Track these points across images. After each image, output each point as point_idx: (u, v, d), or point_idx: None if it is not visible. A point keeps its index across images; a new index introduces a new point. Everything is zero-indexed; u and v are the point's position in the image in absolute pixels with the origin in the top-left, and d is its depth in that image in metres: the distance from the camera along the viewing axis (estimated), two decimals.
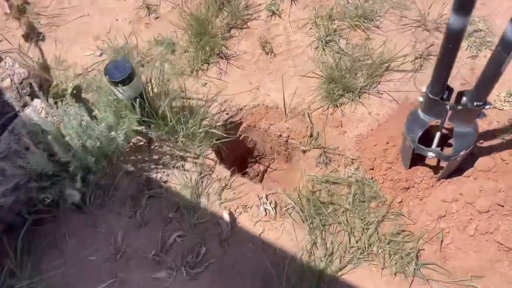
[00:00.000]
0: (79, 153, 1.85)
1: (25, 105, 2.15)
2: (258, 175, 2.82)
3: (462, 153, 1.86)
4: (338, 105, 2.46)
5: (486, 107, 1.68)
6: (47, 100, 2.02)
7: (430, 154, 1.92)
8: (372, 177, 2.23)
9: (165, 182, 2.25)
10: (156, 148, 2.36)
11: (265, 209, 2.19)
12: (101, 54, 2.74)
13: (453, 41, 1.50)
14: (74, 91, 2.03)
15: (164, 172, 2.29)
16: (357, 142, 2.36)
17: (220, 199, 2.21)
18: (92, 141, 1.90)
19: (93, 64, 2.70)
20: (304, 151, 2.42)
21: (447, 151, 2.07)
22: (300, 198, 2.22)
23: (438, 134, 2.00)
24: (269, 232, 2.14)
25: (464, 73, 2.41)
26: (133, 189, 2.22)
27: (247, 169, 2.83)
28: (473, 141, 1.86)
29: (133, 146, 2.36)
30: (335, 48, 2.60)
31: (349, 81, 2.46)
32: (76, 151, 1.84)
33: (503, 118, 2.25)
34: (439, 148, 2.01)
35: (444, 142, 2.10)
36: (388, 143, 2.26)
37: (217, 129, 2.37)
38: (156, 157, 2.34)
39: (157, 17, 2.85)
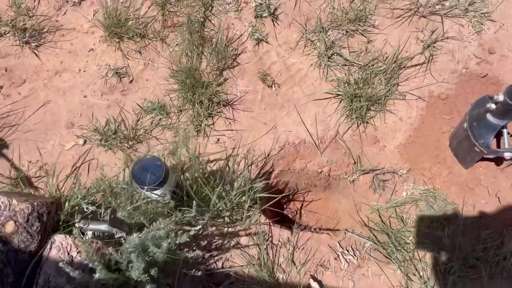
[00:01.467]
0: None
1: (40, 246, 1.74)
2: (296, 213, 2.62)
3: None
4: (367, 121, 2.30)
5: None
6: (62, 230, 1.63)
7: (508, 154, 1.86)
8: (433, 187, 2.13)
9: (230, 269, 1.97)
10: (201, 232, 2.06)
11: (346, 260, 2.01)
12: (84, 142, 2.32)
13: None
14: (112, 216, 1.66)
15: (222, 257, 2.00)
16: (401, 154, 2.23)
17: (296, 266, 1.98)
18: (156, 267, 1.57)
19: (79, 156, 2.28)
20: (353, 181, 2.25)
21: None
22: (374, 234, 2.06)
23: (505, 133, 1.92)
24: (360, 283, 1.97)
25: (476, 51, 2.36)
26: None
27: (284, 210, 2.61)
28: None
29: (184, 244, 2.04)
30: (340, 61, 2.41)
31: (370, 92, 2.30)
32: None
33: None
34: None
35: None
36: (436, 147, 2.17)
37: (259, 190, 2.11)
38: (205, 242, 2.04)
39: (131, 80, 2.47)
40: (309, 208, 2.63)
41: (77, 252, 1.69)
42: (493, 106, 1.79)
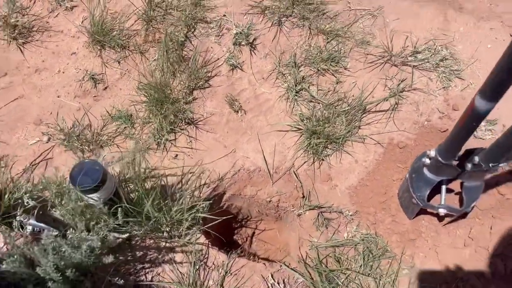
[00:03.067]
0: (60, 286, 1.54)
1: None
2: (246, 240, 2.62)
3: (472, 205, 1.87)
4: (323, 158, 2.33)
5: (500, 165, 1.66)
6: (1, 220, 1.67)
7: (442, 210, 1.88)
8: (375, 232, 2.13)
9: (157, 284, 1.98)
10: (138, 243, 2.08)
11: None
12: (48, 140, 2.39)
13: (477, 121, 1.43)
14: (40, 212, 1.70)
15: (153, 271, 2.02)
16: (351, 195, 2.25)
17: None
18: (73, 267, 1.59)
19: (41, 153, 2.34)
20: (299, 215, 2.26)
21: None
22: (308, 271, 2.05)
23: (443, 190, 1.96)
24: None
25: (440, 106, 2.40)
26: None
27: (234, 236, 2.62)
28: (481, 191, 1.89)
29: (111, 248, 2.06)
30: (307, 97, 2.47)
31: (330, 130, 2.34)
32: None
33: None
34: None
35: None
36: (385, 193, 2.18)
37: (202, 210, 2.14)
38: (140, 253, 2.06)
39: (105, 87, 2.55)
40: (261, 237, 2.63)
41: (4, 244, 1.73)
42: (427, 161, 1.82)
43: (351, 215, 2.19)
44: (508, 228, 1.95)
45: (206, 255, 2.09)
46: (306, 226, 2.24)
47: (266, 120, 2.47)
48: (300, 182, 2.30)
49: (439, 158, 1.73)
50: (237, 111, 2.49)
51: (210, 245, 2.13)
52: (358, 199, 2.22)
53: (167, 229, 2.07)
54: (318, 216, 2.21)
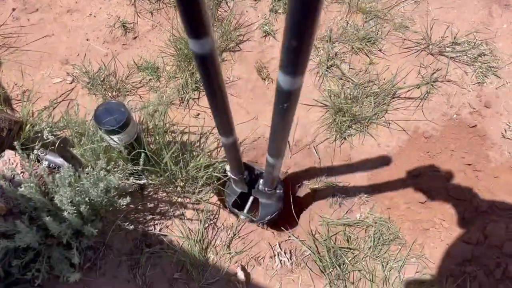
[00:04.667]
0: (73, 221, 1.54)
1: None
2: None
3: (267, 218, 2.10)
4: (346, 137, 2.29)
5: (277, 191, 2.00)
6: (21, 150, 1.66)
7: (242, 217, 2.08)
8: (389, 218, 2.10)
9: (165, 235, 1.98)
10: (151, 194, 2.07)
11: (280, 261, 1.99)
12: (72, 81, 2.37)
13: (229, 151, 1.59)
14: (61, 144, 1.69)
15: (163, 223, 2.01)
16: (369, 177, 2.22)
17: (230, 252, 1.98)
18: (86, 204, 1.59)
19: (63, 93, 2.33)
20: (314, 190, 2.24)
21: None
22: (316, 245, 2.04)
23: (250, 201, 2.14)
24: (287, 287, 1.95)
25: (472, 101, 2.34)
26: (130, 247, 1.93)
27: None
28: (276, 209, 2.12)
29: (124, 194, 2.05)
30: (337, 74, 2.42)
31: (356, 110, 2.30)
32: (71, 221, 1.52)
33: None
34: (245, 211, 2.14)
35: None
36: (404, 181, 2.14)
37: (218, 170, 2.12)
38: (151, 205, 2.05)
39: (135, 37, 2.52)
40: None
41: (21, 172, 1.73)
42: (229, 173, 1.96)
43: (366, 197, 2.17)
44: None
45: (217, 216, 2.09)
46: (320, 204, 2.22)
47: None
48: (319, 158, 2.27)
49: (230, 174, 1.89)
50: (265, 79, 2.45)
51: (221, 206, 2.12)
52: (376, 183, 2.18)
53: (181, 184, 2.06)
54: (332, 194, 2.19)
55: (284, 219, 2.29)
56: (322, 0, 0.70)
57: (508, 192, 2.04)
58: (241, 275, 1.89)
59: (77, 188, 1.57)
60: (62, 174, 1.53)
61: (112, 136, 1.74)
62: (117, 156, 1.83)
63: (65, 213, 1.43)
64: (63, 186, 1.49)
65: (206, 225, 2.03)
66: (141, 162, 1.73)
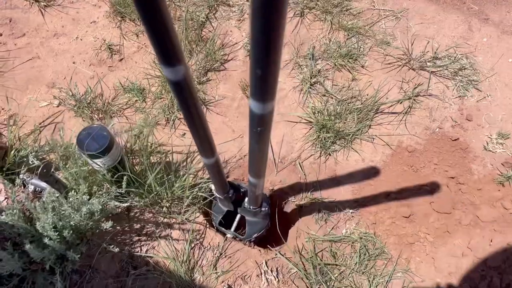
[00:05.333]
0: (56, 247, 1.55)
1: None
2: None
3: (254, 235, 2.11)
4: (330, 153, 2.32)
5: (263, 209, 1.97)
6: (6, 175, 1.68)
7: (229, 235, 2.09)
8: (374, 232, 2.12)
9: (152, 257, 1.98)
10: (137, 215, 2.08)
11: (267, 279, 2.00)
12: (59, 104, 2.40)
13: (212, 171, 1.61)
14: (44, 170, 1.70)
15: (149, 244, 2.02)
16: (354, 193, 2.24)
17: (216, 272, 1.98)
18: (69, 229, 1.60)
19: (50, 116, 2.35)
20: (300, 206, 2.25)
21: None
22: (302, 262, 2.05)
23: (237, 218, 2.17)
24: None
25: (453, 114, 2.37)
26: (116, 269, 1.93)
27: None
28: (263, 227, 2.11)
29: (110, 215, 2.06)
30: (321, 91, 2.46)
31: (340, 126, 2.33)
32: (53, 247, 1.53)
33: (496, 161, 2.23)
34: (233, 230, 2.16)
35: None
36: (388, 195, 2.16)
37: (204, 190, 2.14)
38: (138, 226, 2.06)
39: (121, 59, 2.55)
40: None
41: (5, 198, 1.74)
42: (214, 192, 1.97)
43: (351, 212, 2.19)
44: (509, 242, 1.93)
45: (203, 235, 2.09)
46: (304, 218, 2.23)
47: (277, 110, 2.46)
48: (305, 174, 2.29)
49: (216, 193, 1.91)
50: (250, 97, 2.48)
51: (207, 226, 2.13)
52: (360, 198, 2.20)
53: (167, 205, 2.07)
54: (318, 210, 2.20)
55: (271, 235, 2.30)
56: (281, 38, 0.73)
57: (491, 204, 2.06)
58: None
59: (61, 213, 1.58)
60: (44, 199, 1.55)
61: (95, 160, 1.76)
62: (101, 179, 1.85)
63: (46, 240, 1.44)
64: (45, 212, 1.50)
65: (193, 245, 2.04)
66: (123, 185, 1.74)
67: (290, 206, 2.35)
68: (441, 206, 2.07)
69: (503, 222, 2.00)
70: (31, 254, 1.48)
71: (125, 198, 1.96)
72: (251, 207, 1.95)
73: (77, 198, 1.59)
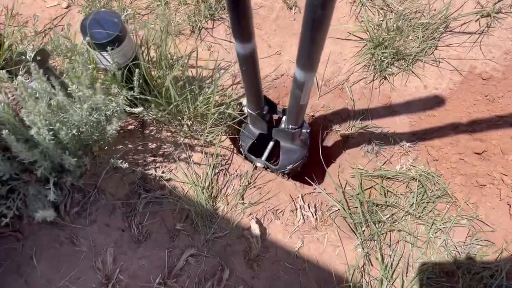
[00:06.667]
0: (50, 148, 1.24)
1: None
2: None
3: (289, 167, 1.78)
4: (386, 76, 1.92)
5: (303, 130, 1.65)
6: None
7: (258, 164, 1.78)
8: (436, 171, 1.74)
9: (168, 180, 1.67)
10: (153, 133, 1.77)
11: (303, 215, 1.67)
12: (68, 6, 2.06)
13: (246, 64, 1.25)
14: (38, 57, 1.38)
15: (165, 166, 1.71)
16: (412, 124, 1.85)
17: (243, 203, 1.67)
18: (67, 129, 1.28)
19: (56, 17, 2.02)
20: (346, 137, 1.89)
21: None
22: (346, 199, 1.71)
23: (269, 146, 1.84)
24: (310, 246, 1.63)
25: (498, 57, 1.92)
26: (125, 191, 1.64)
27: None
28: (301, 157, 1.79)
29: (121, 131, 1.76)
30: (378, 2, 2.03)
31: (400, 44, 1.92)
32: (46, 146, 1.22)
33: None
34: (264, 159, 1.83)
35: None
36: (457, 127, 1.77)
37: (232, 109, 1.79)
38: (153, 145, 1.75)
39: None
40: None
41: None
42: (246, 110, 1.66)
43: (409, 146, 1.81)
44: None
45: (229, 161, 1.77)
46: (353, 152, 1.87)
47: None
48: (353, 100, 1.91)
49: (247, 108, 1.60)
50: (291, 8, 2.08)
51: (235, 152, 1.80)
52: (420, 130, 1.82)
53: (189, 123, 1.74)
54: (369, 142, 1.83)
55: (309, 171, 1.96)
56: None
57: None
58: (255, 228, 1.58)
59: (57, 106, 1.26)
60: (34, 85, 1.23)
61: (103, 54, 1.42)
62: (111, 81, 1.51)
63: (33, 132, 1.13)
64: (32, 98, 1.18)
65: (217, 170, 1.72)
66: (135, 85, 1.41)
67: (333, 137, 1.99)
68: None
69: None
70: (18, 154, 1.17)
71: (137, 105, 1.62)
72: (290, 126, 1.59)
73: (77, 92, 1.27)
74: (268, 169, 1.83)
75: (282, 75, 1.98)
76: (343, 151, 1.90)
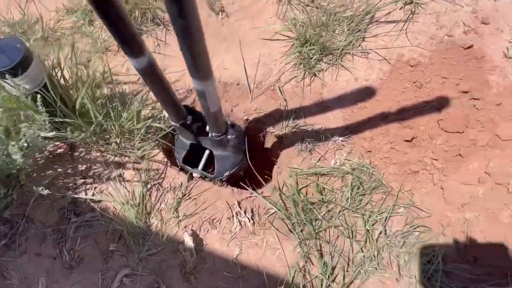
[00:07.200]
0: None
1: None
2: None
3: (226, 174, 1.75)
4: (316, 72, 1.92)
5: (228, 136, 1.60)
6: None
7: (195, 174, 1.78)
8: (370, 162, 1.74)
9: (98, 202, 1.64)
10: (82, 155, 1.73)
11: (240, 222, 1.65)
12: None
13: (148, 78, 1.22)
14: None
15: (96, 187, 1.68)
16: (345, 118, 1.85)
17: (178, 216, 1.64)
18: None
19: None
20: (280, 137, 1.88)
21: None
22: (283, 201, 1.69)
23: (205, 155, 1.79)
24: (248, 252, 1.61)
25: (466, 18, 1.93)
26: (55, 218, 1.61)
27: None
28: (236, 162, 1.76)
29: (50, 156, 1.72)
30: (304, 0, 2.02)
31: (327, 40, 1.91)
32: None
33: None
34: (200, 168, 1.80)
35: None
36: (387, 116, 1.77)
37: (162, 122, 1.77)
38: (83, 167, 1.72)
39: None
40: None
41: None
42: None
43: (342, 140, 1.80)
44: None
45: (163, 175, 1.75)
46: (288, 152, 1.86)
47: (253, 25, 2.04)
48: (285, 100, 1.90)
49: (170, 120, 1.55)
50: (218, 13, 2.07)
51: (169, 165, 1.78)
52: (353, 123, 1.82)
53: (117, 140, 1.71)
54: (302, 140, 1.83)
55: (253, 177, 1.94)
56: None
57: None
58: (189, 241, 1.56)
59: None
60: None
61: (6, 81, 1.39)
62: (23, 107, 1.48)
63: None
64: None
65: (149, 186, 1.69)
66: (39, 106, 1.37)
67: (270, 139, 1.98)
68: (452, 124, 1.67)
69: None
70: None
71: (61, 133, 1.59)
72: (213, 134, 1.58)
73: None
74: (206, 179, 1.81)
75: (219, 82, 1.96)
76: (279, 152, 1.89)
